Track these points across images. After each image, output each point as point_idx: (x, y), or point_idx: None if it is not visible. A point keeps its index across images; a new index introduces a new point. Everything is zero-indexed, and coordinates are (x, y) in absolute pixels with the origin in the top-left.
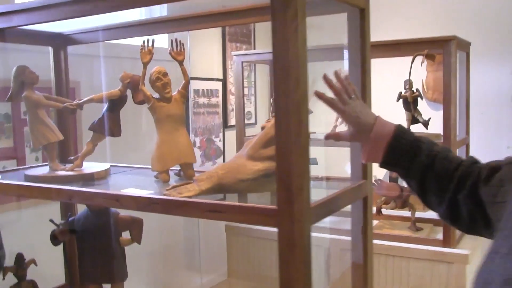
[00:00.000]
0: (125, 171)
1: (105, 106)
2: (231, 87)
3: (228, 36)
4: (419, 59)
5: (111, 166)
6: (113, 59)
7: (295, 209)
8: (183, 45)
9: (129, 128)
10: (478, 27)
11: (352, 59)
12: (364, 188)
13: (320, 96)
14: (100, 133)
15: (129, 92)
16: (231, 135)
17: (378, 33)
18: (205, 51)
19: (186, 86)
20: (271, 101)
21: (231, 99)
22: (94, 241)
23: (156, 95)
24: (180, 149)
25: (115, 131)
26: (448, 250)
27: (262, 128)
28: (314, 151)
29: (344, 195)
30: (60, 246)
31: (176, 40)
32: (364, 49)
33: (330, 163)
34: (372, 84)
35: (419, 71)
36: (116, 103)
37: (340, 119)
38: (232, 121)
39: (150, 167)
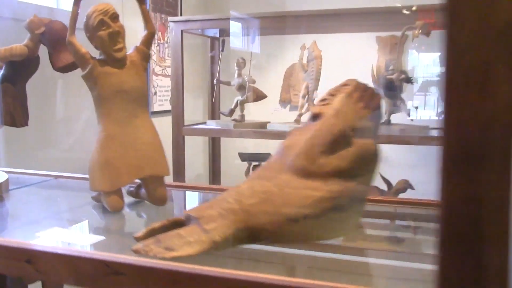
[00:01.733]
0: (34, 183)
1: None
2: (154, 66)
3: (151, 5)
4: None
5: (9, 175)
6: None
7: None
8: None
9: (42, 113)
10: None
11: None
12: None
13: None
14: None
15: (43, 51)
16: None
17: None
18: (125, 23)
19: (149, 41)
20: (215, 82)
21: (154, 80)
22: None
23: (98, 54)
24: (143, 151)
25: (18, 117)
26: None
27: (315, 116)
28: (270, 146)
29: None
30: None
31: None
32: None
33: None
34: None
35: (370, 53)
36: (19, 69)
37: (306, 106)
38: (155, 106)
39: (84, 178)
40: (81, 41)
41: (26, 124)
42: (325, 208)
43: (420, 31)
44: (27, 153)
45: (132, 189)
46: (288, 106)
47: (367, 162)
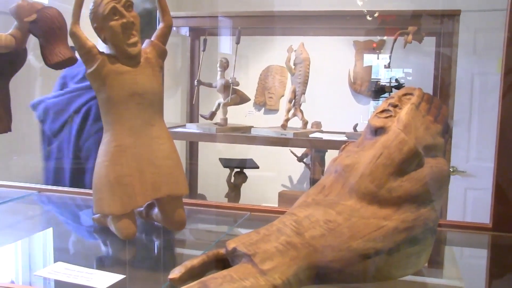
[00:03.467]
0: (15, 199)
1: None
2: None
3: None
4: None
5: None
6: None
7: None
8: None
9: (19, 114)
10: None
11: None
12: None
13: None
14: None
15: (33, 43)
16: None
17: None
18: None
19: (166, 35)
20: (195, 83)
21: None
22: None
23: (106, 49)
24: (161, 167)
25: (1, 121)
26: (436, 281)
27: (377, 129)
28: (251, 151)
29: None
30: None
31: None
32: None
33: (277, 167)
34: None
35: (347, 58)
36: (2, 64)
37: (292, 111)
38: None
39: (74, 192)
40: (87, 31)
41: (9, 129)
42: (399, 241)
43: (412, 37)
44: (3, 161)
45: (141, 209)
46: (263, 109)
47: (441, 186)
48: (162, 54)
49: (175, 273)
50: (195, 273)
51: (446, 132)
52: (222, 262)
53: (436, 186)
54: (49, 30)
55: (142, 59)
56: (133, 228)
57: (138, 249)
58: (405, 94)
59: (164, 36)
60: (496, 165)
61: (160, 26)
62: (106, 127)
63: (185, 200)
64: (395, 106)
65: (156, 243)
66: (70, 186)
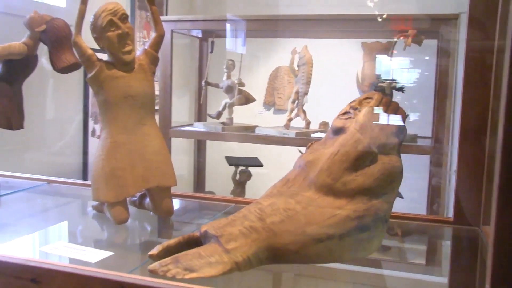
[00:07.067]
0: (26, 189)
1: None
2: None
3: (137, 2)
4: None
5: None
6: None
7: None
8: None
9: (31, 113)
10: None
11: None
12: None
13: None
14: None
15: (42, 50)
16: None
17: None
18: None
19: (158, 43)
20: (203, 83)
21: None
22: None
23: (105, 56)
24: (150, 161)
25: (14, 119)
26: (432, 279)
27: (338, 130)
28: (257, 149)
29: None
30: None
31: None
32: None
33: (281, 165)
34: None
35: (354, 59)
36: (16, 69)
37: (295, 111)
38: None
39: (79, 183)
40: (88, 40)
41: (22, 127)
42: (350, 228)
43: (412, 39)
44: (16, 155)
45: (135, 199)
46: (272, 109)
47: (392, 180)
48: (154, 61)
49: (154, 251)
50: (171, 251)
51: (401, 132)
52: (196, 243)
53: (388, 181)
54: (56, 39)
55: (136, 65)
56: (125, 214)
57: (129, 232)
58: (366, 98)
59: (157, 45)
60: (458, 164)
61: (153, 35)
62: (103, 125)
63: (173, 191)
64: (355, 109)
65: (147, 228)
66: None
